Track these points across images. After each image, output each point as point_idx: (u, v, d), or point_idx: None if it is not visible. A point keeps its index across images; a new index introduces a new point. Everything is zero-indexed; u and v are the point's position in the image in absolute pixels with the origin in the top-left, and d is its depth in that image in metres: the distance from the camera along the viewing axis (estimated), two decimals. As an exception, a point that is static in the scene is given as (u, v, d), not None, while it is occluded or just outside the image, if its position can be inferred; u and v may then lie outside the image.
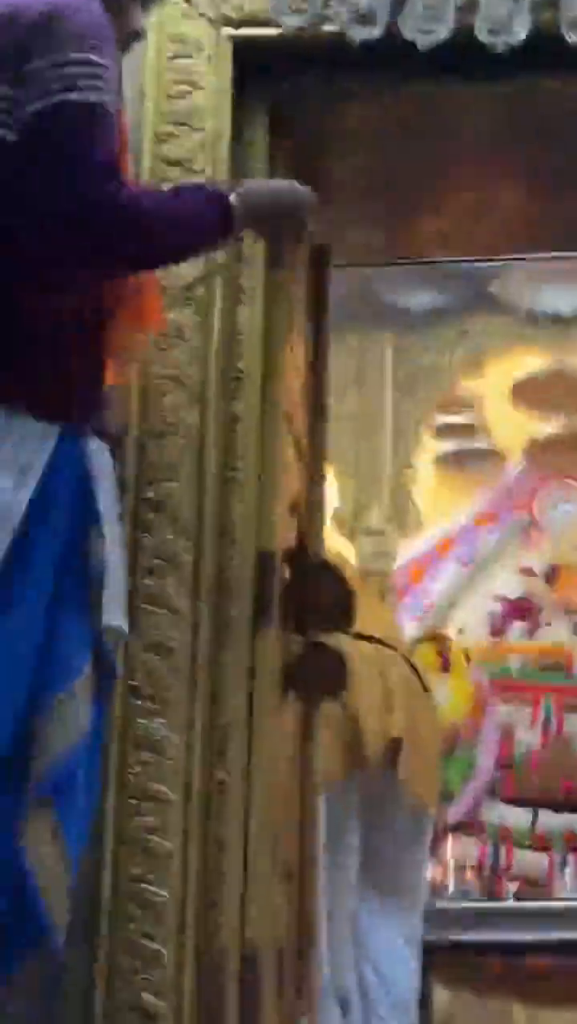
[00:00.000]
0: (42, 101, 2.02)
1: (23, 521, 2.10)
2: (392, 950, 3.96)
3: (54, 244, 2.05)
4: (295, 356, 3.39)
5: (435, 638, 6.36)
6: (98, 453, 2.23)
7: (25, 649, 2.09)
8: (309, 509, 3.44)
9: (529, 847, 6.05)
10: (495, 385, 6.97)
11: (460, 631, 6.65)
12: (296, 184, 2.49)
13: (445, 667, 6.26)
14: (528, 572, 6.98)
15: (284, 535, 3.11)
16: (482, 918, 4.94)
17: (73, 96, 2.02)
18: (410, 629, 6.43)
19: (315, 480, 3.59)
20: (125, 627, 2.30)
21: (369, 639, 3.87)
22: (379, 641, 3.96)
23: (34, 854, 2.06)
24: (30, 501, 2.10)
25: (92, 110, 2.03)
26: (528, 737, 6.33)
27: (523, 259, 5.35)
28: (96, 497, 2.20)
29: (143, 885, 2.72)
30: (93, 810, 2.29)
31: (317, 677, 3.19)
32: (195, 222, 2.22)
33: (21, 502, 2.10)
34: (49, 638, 2.09)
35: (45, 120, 2.02)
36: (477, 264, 5.56)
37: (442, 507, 7.03)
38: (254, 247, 2.97)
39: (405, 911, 4.03)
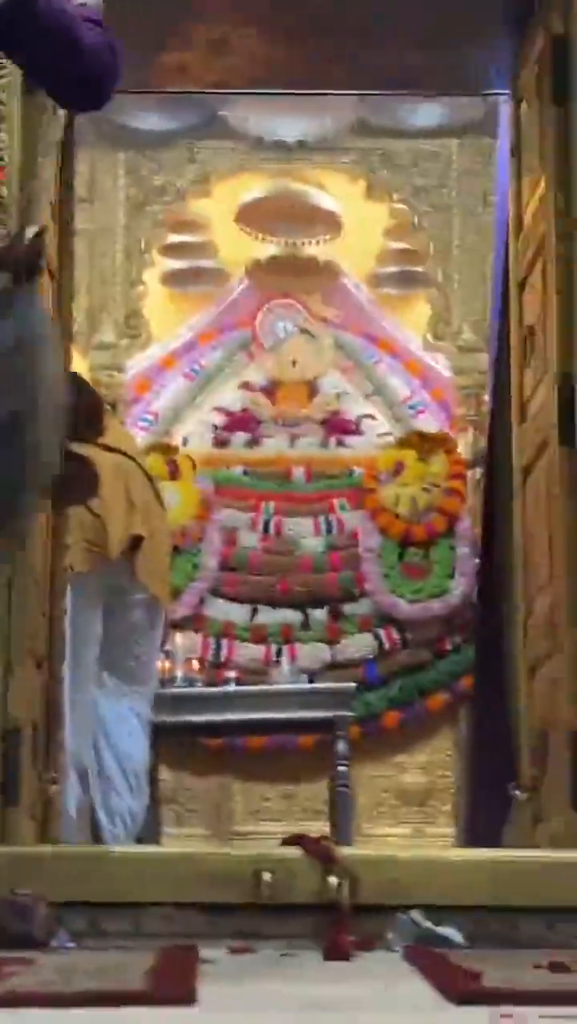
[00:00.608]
0: None
1: None
2: (127, 728, 4.25)
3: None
4: (45, 179, 3.52)
5: (163, 448, 6.57)
6: None
7: None
8: (60, 325, 3.61)
9: (248, 640, 6.40)
10: (222, 207, 7.11)
11: (185, 441, 6.83)
12: None
13: (173, 475, 6.50)
14: (249, 387, 7.19)
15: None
16: (205, 703, 5.23)
17: None
18: (138, 439, 6.63)
19: (63, 296, 3.76)
20: None
21: (111, 449, 4.08)
22: (119, 451, 4.18)
23: None
24: None
25: None
26: (249, 539, 6.61)
27: (254, 93, 5.49)
28: None
29: None
30: None
31: (69, 485, 3.39)
32: None
33: None
34: None
35: None
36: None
37: (169, 323, 7.17)
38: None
39: (139, 694, 4.33)
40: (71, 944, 2.73)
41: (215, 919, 2.89)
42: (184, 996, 1.88)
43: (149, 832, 4.84)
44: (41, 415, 2.24)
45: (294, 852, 2.96)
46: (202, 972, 2.25)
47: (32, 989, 1.94)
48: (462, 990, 1.92)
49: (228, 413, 7.10)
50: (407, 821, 6.34)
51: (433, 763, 6.37)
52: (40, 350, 2.27)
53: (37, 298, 2.38)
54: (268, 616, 6.43)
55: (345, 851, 3.04)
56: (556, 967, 2.26)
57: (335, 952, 2.62)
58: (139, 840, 4.43)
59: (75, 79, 2.36)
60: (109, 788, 4.19)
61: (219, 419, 7.10)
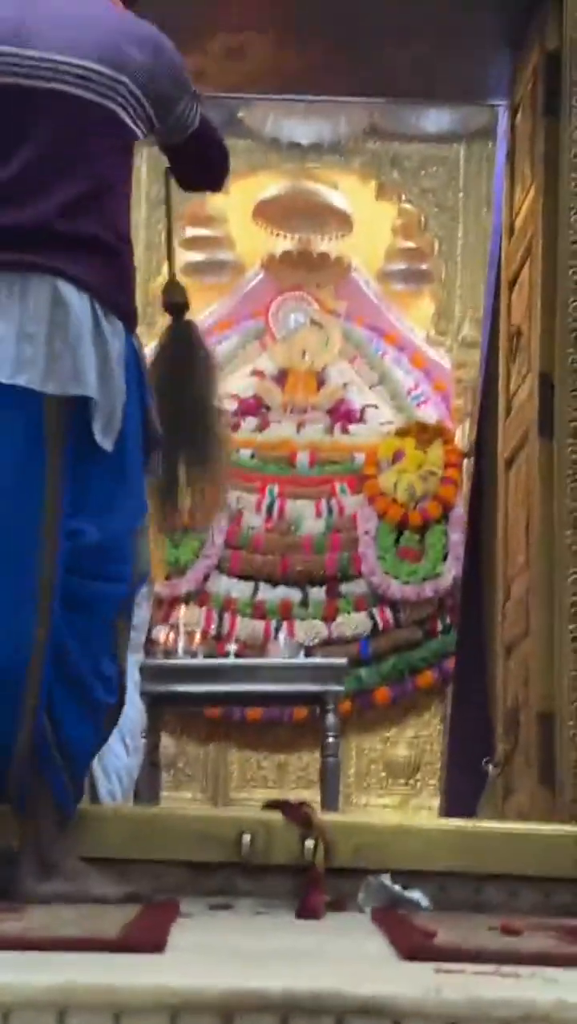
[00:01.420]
0: (191, 127, 2.71)
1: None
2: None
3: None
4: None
5: (175, 430, 6.58)
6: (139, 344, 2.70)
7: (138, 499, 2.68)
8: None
9: (250, 615, 6.44)
10: (239, 203, 7.14)
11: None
12: None
13: (182, 457, 6.52)
14: (260, 374, 7.23)
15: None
16: (205, 674, 5.25)
17: (200, 117, 2.72)
18: (153, 421, 6.65)
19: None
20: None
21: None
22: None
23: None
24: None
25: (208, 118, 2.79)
26: (254, 520, 6.65)
27: (270, 98, 5.52)
28: (145, 378, 2.66)
29: None
30: None
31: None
32: None
33: (123, 388, 2.55)
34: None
35: (197, 135, 2.74)
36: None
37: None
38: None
39: (133, 661, 4.38)
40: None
41: (198, 876, 2.93)
42: (154, 944, 1.92)
43: (149, 796, 4.88)
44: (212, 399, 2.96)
45: (275, 815, 3.00)
46: (180, 925, 2.29)
47: (13, 935, 1.99)
48: (410, 946, 1.96)
49: (239, 399, 7.14)
50: (394, 792, 6.39)
51: (421, 738, 6.42)
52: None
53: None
54: (269, 593, 6.47)
55: (323, 816, 3.07)
56: (508, 930, 2.29)
57: (307, 911, 2.65)
58: (136, 798, 4.48)
59: (214, 173, 2.89)
60: (107, 749, 4.23)
61: (231, 404, 7.12)
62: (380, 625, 6.36)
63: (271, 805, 3.08)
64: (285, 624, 6.34)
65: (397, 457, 6.61)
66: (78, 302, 2.52)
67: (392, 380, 7.22)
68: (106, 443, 2.54)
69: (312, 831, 2.93)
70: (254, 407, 7.16)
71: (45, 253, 2.53)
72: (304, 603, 6.45)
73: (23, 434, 2.53)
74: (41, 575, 2.54)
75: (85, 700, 2.64)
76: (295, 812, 3.00)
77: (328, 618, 6.40)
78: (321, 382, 7.24)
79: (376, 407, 7.13)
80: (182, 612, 5.71)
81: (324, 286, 7.36)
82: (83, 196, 2.56)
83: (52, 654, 2.56)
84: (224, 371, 7.22)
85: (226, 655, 5.69)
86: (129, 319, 2.60)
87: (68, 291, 2.53)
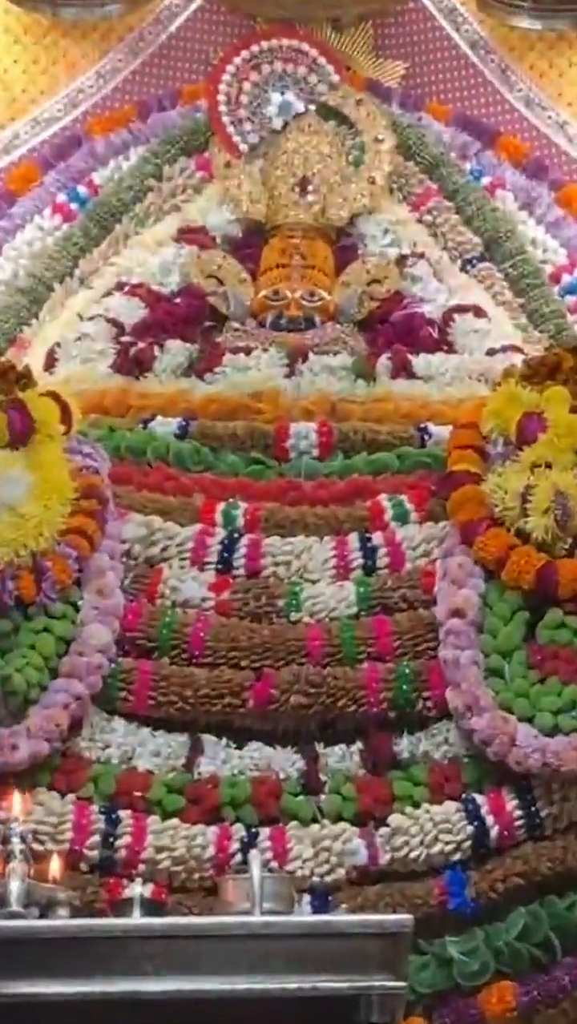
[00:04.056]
0: None
1: None
2: None
3: None
4: None
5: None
6: None
7: None
8: None
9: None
10: None
11: (52, 359, 6.93)
12: None
13: (20, 434, 6.59)
14: (197, 236, 7.43)
15: None
16: (75, 952, 5.28)
17: None
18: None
19: None
20: None
21: None
22: None
23: None
24: None
25: None
26: (188, 585, 6.69)
27: None
28: None
29: None
30: None
31: None
32: None
33: None
34: None
35: None
36: None
37: (24, 86, 7.35)
38: None
39: None
40: None
41: None
42: None
43: None
44: None
45: None
46: None
47: None
48: None
49: (154, 297, 7.23)
50: None
51: None
52: None
53: None
54: (224, 757, 6.54)
55: None
56: None
57: None
58: None
59: None
60: None
61: (129, 309, 7.22)
62: (492, 829, 6.40)
63: None
64: (267, 832, 6.40)
65: (529, 429, 6.63)
66: None
67: (515, 246, 7.33)
68: None
69: None
70: (187, 315, 7.25)
71: None
72: (311, 778, 6.50)
73: None
74: None
75: None
76: None
77: (368, 815, 6.46)
78: (346, 254, 7.35)
79: (478, 312, 7.22)
80: (15, 804, 5.74)
81: (351, 23, 7.47)
82: None
83: None
84: (115, 230, 7.37)
85: (127, 906, 5.74)
86: None
87: None
